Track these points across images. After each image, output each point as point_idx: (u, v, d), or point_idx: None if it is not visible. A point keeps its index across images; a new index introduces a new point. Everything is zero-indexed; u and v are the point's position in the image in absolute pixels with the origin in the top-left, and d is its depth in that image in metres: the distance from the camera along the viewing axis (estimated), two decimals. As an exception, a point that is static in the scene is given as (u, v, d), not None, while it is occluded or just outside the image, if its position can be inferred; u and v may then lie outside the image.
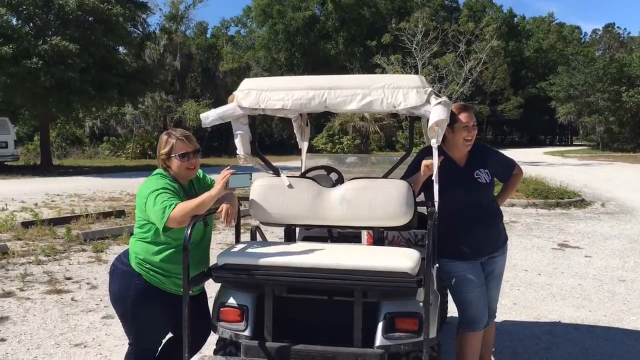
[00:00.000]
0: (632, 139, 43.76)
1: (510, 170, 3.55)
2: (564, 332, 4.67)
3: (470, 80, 25.79)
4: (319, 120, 34.35)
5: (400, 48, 27.52)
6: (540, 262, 7.20)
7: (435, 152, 3.02)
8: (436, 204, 3.00)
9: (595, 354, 4.19)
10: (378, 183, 3.24)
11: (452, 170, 3.24)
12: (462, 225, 3.24)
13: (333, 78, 3.27)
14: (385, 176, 3.67)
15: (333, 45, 47.40)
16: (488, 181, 3.32)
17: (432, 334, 2.72)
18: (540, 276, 6.47)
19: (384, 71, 26.52)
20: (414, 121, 3.71)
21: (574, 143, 73.14)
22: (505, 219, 10.33)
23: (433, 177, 3.04)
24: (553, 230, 9.49)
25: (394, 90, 3.09)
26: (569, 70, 48.65)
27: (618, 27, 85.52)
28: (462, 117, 3.20)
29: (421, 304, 2.65)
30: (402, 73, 25.48)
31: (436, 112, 2.97)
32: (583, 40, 74.74)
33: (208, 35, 55.82)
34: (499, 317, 4.97)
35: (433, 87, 22.37)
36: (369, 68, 30.99)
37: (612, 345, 4.37)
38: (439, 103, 3.01)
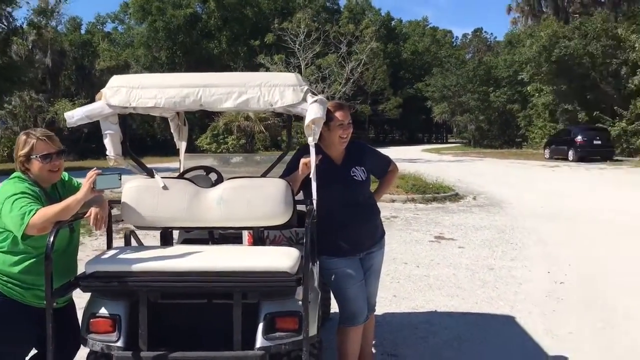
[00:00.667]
0: (499, 136, 47.09)
1: (385, 167, 3.66)
2: (440, 320, 4.90)
3: (352, 80, 26.48)
4: (203, 120, 33.69)
5: (284, 48, 27.68)
6: (419, 254, 7.52)
7: (312, 150, 3.03)
8: (314, 202, 3.02)
9: (467, 339, 4.44)
10: (256, 182, 3.20)
11: (329, 168, 3.28)
12: (339, 222, 3.30)
13: (208, 75, 3.17)
14: (264, 175, 3.65)
15: (216, 44, 46.67)
16: (364, 178, 3.39)
17: (313, 331, 2.73)
18: (418, 268, 6.77)
19: (267, 71, 26.58)
20: (292, 120, 3.72)
21: (449, 141, 77.37)
22: (386, 214, 10.69)
23: (311, 175, 3.05)
24: (430, 223, 9.97)
25: (271, 89, 3.06)
26: (443, 71, 51.47)
27: (485, 32, 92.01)
28: (338, 115, 3.25)
29: (301, 302, 2.65)
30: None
31: (312, 110, 2.98)
32: (455, 43, 79.39)
33: (82, 32, 52.90)
34: (380, 309, 5.13)
35: (316, 87, 22.74)
36: (253, 67, 30.87)
37: (482, 330, 4.66)
38: (315, 101, 3.02)
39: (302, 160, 3.13)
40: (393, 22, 74.29)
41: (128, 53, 45.72)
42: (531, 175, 20.26)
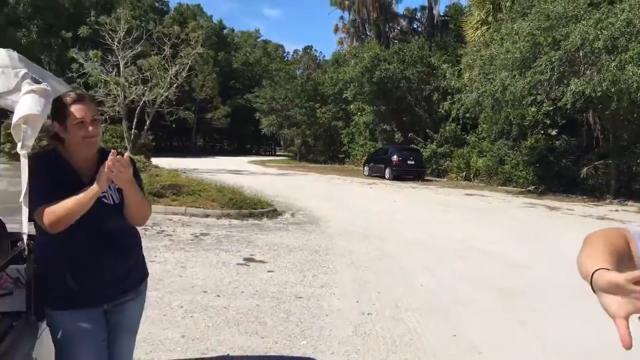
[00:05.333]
0: (324, 152, 48.32)
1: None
2: (230, 369, 4.13)
3: (175, 85, 25.08)
4: None
5: (101, 44, 25.41)
6: (223, 280, 6.71)
7: (23, 163, 2.09)
8: (25, 235, 2.08)
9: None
10: None
11: (70, 183, 2.33)
12: (76, 260, 2.36)
13: None
14: None
15: (25, 33, 41.79)
16: (117, 201, 2.48)
17: None
18: (219, 298, 5.95)
19: (81, 67, 24.16)
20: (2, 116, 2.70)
21: (276, 153, 78.27)
22: (196, 231, 9.68)
23: (22, 197, 2.10)
24: (242, 242, 9.23)
25: (-34, 70, 2.07)
26: (272, 84, 51.71)
27: (315, 50, 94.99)
28: (75, 109, 2.31)
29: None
30: (102, 71, 23.53)
31: (25, 104, 2.04)
32: (286, 58, 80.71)
33: None
34: (165, 355, 4.24)
35: (136, 89, 21.03)
36: (65, 62, 27.92)
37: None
38: (32, 91, 2.08)
39: (115, 158, 2.21)
40: (225, 31, 73.49)
41: None
42: (350, 192, 20.63)
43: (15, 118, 2.04)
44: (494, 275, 7.62)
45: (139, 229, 2.70)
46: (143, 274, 2.72)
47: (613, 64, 15.42)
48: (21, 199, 2.11)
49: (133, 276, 2.62)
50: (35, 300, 2.26)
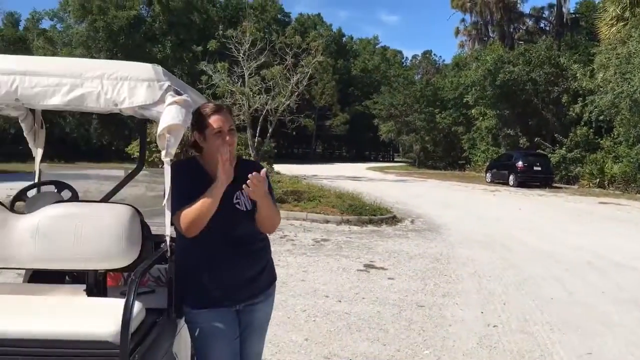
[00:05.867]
0: (444, 158, 47.29)
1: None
2: (353, 375, 4.14)
3: (297, 93, 25.78)
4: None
5: (228, 56, 26.74)
6: (343, 286, 6.77)
7: (166, 170, 2.23)
8: (167, 237, 2.22)
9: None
10: (89, 209, 2.36)
11: (206, 190, 2.47)
12: (211, 262, 2.49)
13: (29, 60, 2.31)
14: (106, 199, 2.80)
15: (160, 48, 45.08)
16: (249, 208, 2.57)
17: None
18: (340, 303, 6.00)
19: (210, 78, 25.56)
20: (146, 125, 2.89)
21: (395, 160, 77.85)
22: (317, 236, 9.87)
23: (164, 201, 2.24)
24: (362, 249, 9.26)
25: (117, 82, 2.25)
26: (391, 90, 51.55)
27: (434, 55, 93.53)
28: (213, 120, 2.44)
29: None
30: (229, 82, 24.72)
31: (169, 114, 2.18)
32: (404, 64, 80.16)
33: (20, 28, 50.37)
34: (287, 357, 4.35)
35: (259, 98, 21.87)
36: (195, 75, 29.71)
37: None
38: (175, 102, 2.22)
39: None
40: (344, 39, 74.47)
41: (65, 52, 43.55)
42: (472, 199, 19.99)
43: (160, 128, 2.19)
44: (633, 291, 7.02)
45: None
46: (272, 277, 2.80)
47: None
48: (164, 202, 2.25)
49: (263, 279, 2.70)
50: (175, 298, 2.39)
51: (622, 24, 23.86)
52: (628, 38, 20.64)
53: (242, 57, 24.90)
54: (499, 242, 10.26)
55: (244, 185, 2.36)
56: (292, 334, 4.90)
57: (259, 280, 2.67)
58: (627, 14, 23.85)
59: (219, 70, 25.47)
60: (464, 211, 15.51)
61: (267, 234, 2.78)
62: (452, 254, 9.13)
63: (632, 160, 24.03)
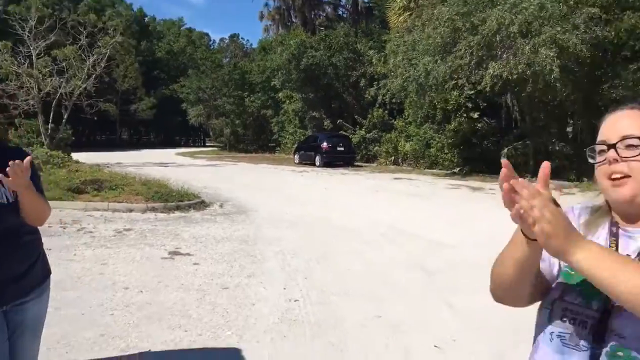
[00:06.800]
0: (254, 141, 47.88)
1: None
2: (152, 365, 4.01)
3: (94, 76, 24.12)
4: None
5: (12, 34, 24.06)
6: (146, 275, 6.51)
7: None
8: None
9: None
10: None
11: None
12: None
13: None
14: None
15: None
16: (11, 200, 2.32)
17: None
18: (142, 293, 5.76)
19: (-9, 59, 22.78)
20: None
21: (206, 144, 76.91)
22: (119, 226, 9.36)
23: None
24: (168, 236, 9.00)
25: None
26: (198, 74, 50.70)
27: (242, 38, 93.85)
28: None
29: None
30: (14, 62, 22.30)
31: None
32: (212, 47, 79.20)
33: None
34: (79, 355, 4.07)
35: (51, 80, 20.06)
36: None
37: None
38: None
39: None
40: (147, 19, 71.25)
41: None
42: (281, 180, 20.56)
43: None
44: (420, 257, 7.78)
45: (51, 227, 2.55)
46: (45, 272, 2.58)
47: (527, 47, 16.05)
48: None
49: (33, 275, 2.47)
50: None
51: (408, 13, 26.15)
52: (413, 27, 22.64)
53: (28, 36, 22.60)
54: (305, 221, 10.68)
55: (0, 175, 2.13)
56: (86, 332, 4.59)
57: (28, 276, 2.44)
58: (412, 4, 26.18)
59: (0, 50, 22.79)
60: (272, 192, 15.88)
61: (37, 227, 2.55)
62: (259, 235, 9.29)
63: (420, 139, 26.62)
